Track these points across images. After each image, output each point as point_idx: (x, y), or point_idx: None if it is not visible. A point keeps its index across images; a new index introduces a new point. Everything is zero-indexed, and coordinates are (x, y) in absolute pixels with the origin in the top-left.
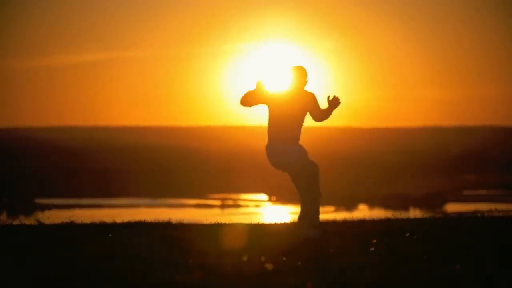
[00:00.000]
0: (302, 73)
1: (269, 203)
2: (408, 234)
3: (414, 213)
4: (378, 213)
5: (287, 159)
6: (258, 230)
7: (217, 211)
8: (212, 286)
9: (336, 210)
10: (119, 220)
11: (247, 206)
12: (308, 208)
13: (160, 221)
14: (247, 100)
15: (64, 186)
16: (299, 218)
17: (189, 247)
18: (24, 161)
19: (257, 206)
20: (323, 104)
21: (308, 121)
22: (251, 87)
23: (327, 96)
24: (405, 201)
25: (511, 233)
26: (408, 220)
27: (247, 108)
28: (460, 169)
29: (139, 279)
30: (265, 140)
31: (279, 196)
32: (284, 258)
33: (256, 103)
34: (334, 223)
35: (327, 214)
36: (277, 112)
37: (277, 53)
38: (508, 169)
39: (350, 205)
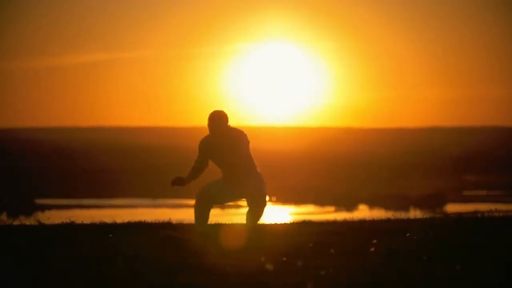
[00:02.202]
0: (218, 116)
1: (269, 204)
2: (408, 234)
3: (414, 213)
4: (378, 213)
5: (257, 183)
6: (258, 230)
7: (217, 211)
8: (212, 286)
9: (336, 210)
10: (119, 220)
11: (247, 206)
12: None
13: (160, 222)
14: (200, 170)
15: (64, 186)
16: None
17: (189, 247)
18: (24, 161)
19: None
20: None
21: (308, 121)
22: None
23: None
24: (405, 202)
25: (511, 233)
26: (408, 220)
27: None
28: (460, 169)
29: (139, 279)
30: (264, 140)
31: (279, 196)
32: (284, 259)
33: (206, 163)
34: (334, 223)
35: (327, 214)
36: (223, 157)
37: (277, 54)
38: (508, 169)
39: (350, 205)
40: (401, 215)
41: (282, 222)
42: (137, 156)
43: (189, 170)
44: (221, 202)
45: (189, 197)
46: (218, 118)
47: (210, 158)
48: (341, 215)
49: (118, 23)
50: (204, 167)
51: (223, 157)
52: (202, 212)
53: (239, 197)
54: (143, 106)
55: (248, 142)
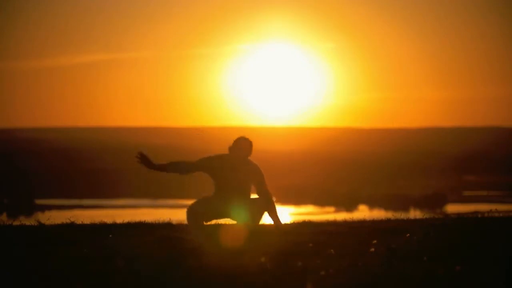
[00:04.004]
0: (250, 146)
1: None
2: (408, 234)
3: (414, 213)
4: (378, 214)
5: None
6: (258, 230)
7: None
8: (212, 286)
9: (336, 210)
10: (119, 220)
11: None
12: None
13: (160, 222)
14: (182, 170)
15: (64, 186)
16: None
17: (189, 247)
18: (24, 161)
19: None
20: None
21: (309, 121)
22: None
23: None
24: (405, 202)
25: (511, 234)
26: (408, 220)
27: (184, 174)
28: (460, 169)
29: (139, 279)
30: (265, 141)
31: (279, 197)
32: (284, 259)
33: (193, 171)
34: (334, 223)
35: (327, 214)
36: (226, 180)
37: (278, 54)
38: (508, 169)
39: (350, 205)
40: (401, 215)
41: (282, 222)
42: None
43: (168, 162)
44: (211, 219)
45: (189, 197)
46: (249, 147)
47: (210, 174)
48: (341, 215)
49: (118, 24)
50: (183, 172)
51: (229, 181)
52: (196, 226)
53: (226, 216)
54: (143, 107)
55: (263, 175)
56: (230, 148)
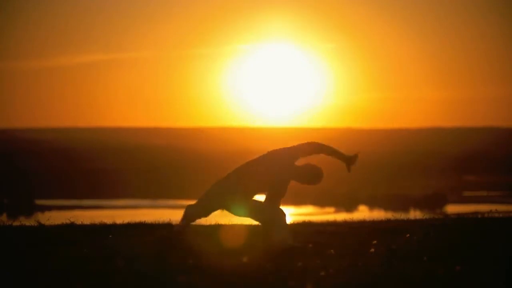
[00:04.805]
0: (309, 184)
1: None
2: (408, 234)
3: (414, 214)
4: (378, 214)
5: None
6: (258, 231)
7: (217, 212)
8: (212, 286)
9: (336, 211)
10: (119, 221)
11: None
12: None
13: (160, 222)
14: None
15: (64, 187)
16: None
17: (188, 247)
18: (24, 161)
19: None
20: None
21: (309, 122)
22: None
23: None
24: (405, 202)
25: (511, 234)
26: (408, 221)
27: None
28: (460, 169)
29: (138, 279)
30: (265, 141)
31: None
32: (284, 259)
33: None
34: (334, 223)
35: (327, 215)
36: (253, 174)
37: (277, 54)
38: (508, 170)
39: (350, 206)
40: (401, 215)
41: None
42: (137, 156)
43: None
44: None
45: (188, 198)
46: (309, 183)
47: (265, 154)
48: (341, 216)
49: (118, 24)
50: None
51: (253, 177)
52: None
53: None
54: (142, 107)
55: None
56: (307, 166)
